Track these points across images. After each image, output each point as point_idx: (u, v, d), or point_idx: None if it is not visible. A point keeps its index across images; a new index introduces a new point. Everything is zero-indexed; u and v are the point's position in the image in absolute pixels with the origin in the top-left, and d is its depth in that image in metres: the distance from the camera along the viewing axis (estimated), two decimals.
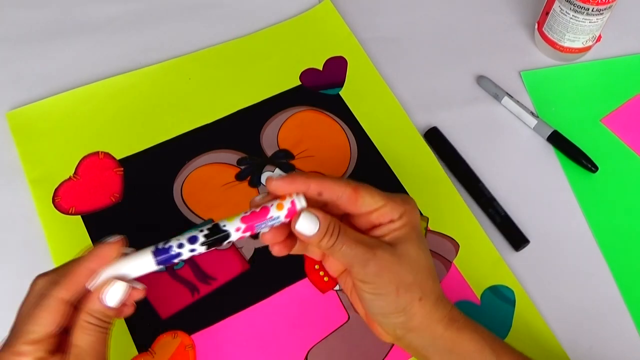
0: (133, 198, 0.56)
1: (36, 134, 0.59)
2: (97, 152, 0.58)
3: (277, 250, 0.43)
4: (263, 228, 0.41)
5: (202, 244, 0.40)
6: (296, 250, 0.44)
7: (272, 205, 0.40)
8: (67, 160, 0.58)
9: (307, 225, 0.40)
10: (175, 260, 0.40)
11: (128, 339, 0.50)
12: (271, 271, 0.53)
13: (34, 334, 0.38)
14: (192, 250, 0.40)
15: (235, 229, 0.40)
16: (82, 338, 0.39)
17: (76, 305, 0.40)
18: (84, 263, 0.39)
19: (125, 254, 0.41)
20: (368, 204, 0.41)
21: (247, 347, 0.50)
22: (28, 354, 0.38)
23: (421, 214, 0.56)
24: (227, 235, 0.40)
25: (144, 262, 0.40)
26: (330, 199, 0.41)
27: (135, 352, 0.50)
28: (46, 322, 0.38)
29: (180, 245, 0.40)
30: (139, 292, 0.41)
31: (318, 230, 0.40)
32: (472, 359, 0.43)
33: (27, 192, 0.56)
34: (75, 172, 0.57)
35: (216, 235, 0.40)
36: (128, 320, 0.51)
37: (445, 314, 0.43)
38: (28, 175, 0.57)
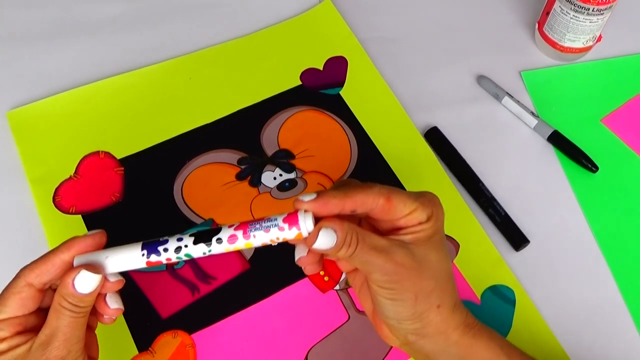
0: (133, 197, 0.56)
1: (37, 134, 0.59)
2: (98, 152, 0.59)
3: (310, 270, 0.43)
4: (258, 229, 0.39)
5: (191, 234, 0.40)
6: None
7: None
8: (67, 160, 0.58)
9: (324, 241, 0.38)
10: (160, 248, 0.39)
11: (128, 338, 0.50)
12: (271, 271, 0.53)
13: (1, 314, 0.39)
14: (180, 239, 0.39)
15: (227, 226, 0.40)
16: (54, 319, 0.39)
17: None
18: (56, 252, 0.40)
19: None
20: (400, 212, 0.40)
21: (248, 346, 0.50)
22: None
23: None
24: (217, 230, 0.39)
25: (131, 250, 0.40)
26: (363, 213, 0.40)
27: (135, 351, 0.50)
28: (12, 304, 0.39)
29: (170, 237, 0.40)
30: (114, 285, 0.40)
31: (336, 244, 0.38)
32: None
33: (27, 191, 0.56)
34: (75, 172, 0.57)
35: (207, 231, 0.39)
36: (128, 320, 0.51)
37: (462, 321, 0.42)
38: (28, 174, 0.57)
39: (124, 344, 0.50)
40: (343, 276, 0.53)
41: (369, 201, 0.39)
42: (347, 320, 0.52)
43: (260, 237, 0.39)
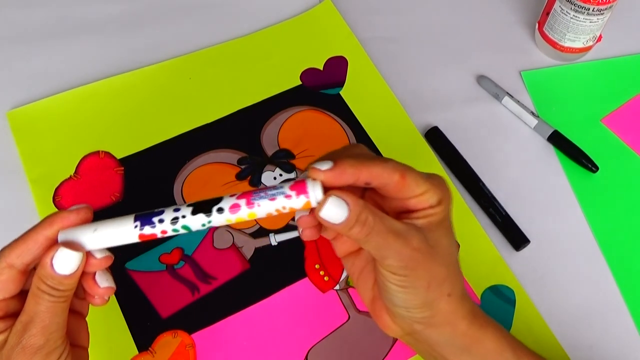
0: (133, 197, 0.56)
1: (37, 133, 0.59)
2: (98, 152, 0.59)
3: (308, 235, 0.39)
4: (263, 197, 0.36)
5: (189, 205, 0.36)
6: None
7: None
8: (67, 160, 0.58)
9: (334, 213, 0.35)
10: (155, 219, 0.36)
11: (128, 338, 0.50)
12: (271, 271, 0.53)
13: None
14: (177, 210, 0.36)
15: (229, 195, 0.36)
16: (32, 304, 0.36)
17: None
18: (37, 229, 0.36)
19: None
20: (412, 191, 0.37)
21: (248, 346, 0.50)
22: None
23: None
24: (218, 199, 0.36)
25: (123, 222, 0.36)
26: (376, 187, 0.38)
27: (135, 351, 0.50)
28: None
29: (167, 208, 0.37)
30: (102, 261, 0.37)
31: (347, 218, 0.35)
32: (490, 359, 0.41)
33: (27, 191, 0.56)
34: (75, 172, 0.57)
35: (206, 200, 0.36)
36: (128, 319, 0.51)
37: (469, 310, 0.41)
38: (28, 174, 0.57)
39: (124, 344, 0.50)
40: (343, 276, 0.53)
41: (385, 175, 0.37)
42: (347, 320, 0.52)
43: (265, 207, 0.36)
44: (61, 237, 0.36)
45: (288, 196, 0.35)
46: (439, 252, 0.39)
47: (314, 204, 0.36)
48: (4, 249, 0.37)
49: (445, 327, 0.40)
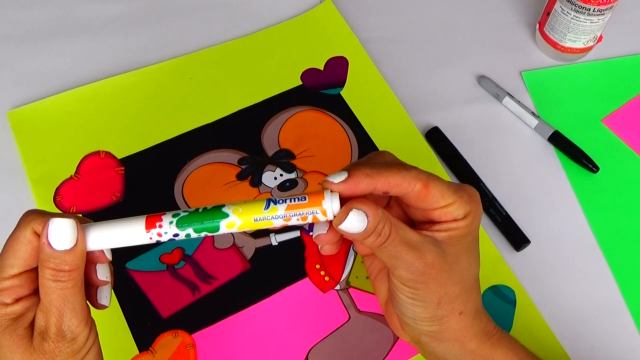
0: (134, 197, 0.56)
1: (37, 133, 0.59)
2: (98, 152, 0.59)
3: (327, 250, 0.39)
4: (280, 203, 0.36)
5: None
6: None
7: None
8: (68, 160, 0.58)
9: (354, 224, 0.35)
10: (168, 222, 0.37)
11: (129, 337, 0.50)
12: (272, 271, 0.53)
13: (12, 268, 0.35)
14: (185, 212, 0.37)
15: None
16: (43, 297, 0.35)
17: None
18: (71, 215, 0.36)
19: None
20: (436, 202, 0.37)
21: (248, 346, 0.50)
22: (8, 291, 0.35)
23: None
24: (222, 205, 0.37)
25: (134, 224, 0.37)
26: (397, 196, 0.37)
27: (136, 351, 0.50)
28: (23, 255, 0.35)
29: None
30: (103, 256, 0.37)
31: (365, 229, 0.35)
32: None
33: (28, 191, 0.56)
34: (76, 172, 0.57)
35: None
36: (129, 319, 0.51)
37: (481, 329, 0.40)
38: (29, 174, 0.57)
39: (125, 344, 0.50)
40: (343, 276, 0.53)
41: (404, 185, 0.36)
42: (347, 320, 0.52)
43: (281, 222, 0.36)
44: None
45: (304, 217, 0.36)
46: (455, 269, 0.38)
47: (330, 216, 0.36)
48: (32, 216, 0.36)
49: (453, 344, 0.40)
